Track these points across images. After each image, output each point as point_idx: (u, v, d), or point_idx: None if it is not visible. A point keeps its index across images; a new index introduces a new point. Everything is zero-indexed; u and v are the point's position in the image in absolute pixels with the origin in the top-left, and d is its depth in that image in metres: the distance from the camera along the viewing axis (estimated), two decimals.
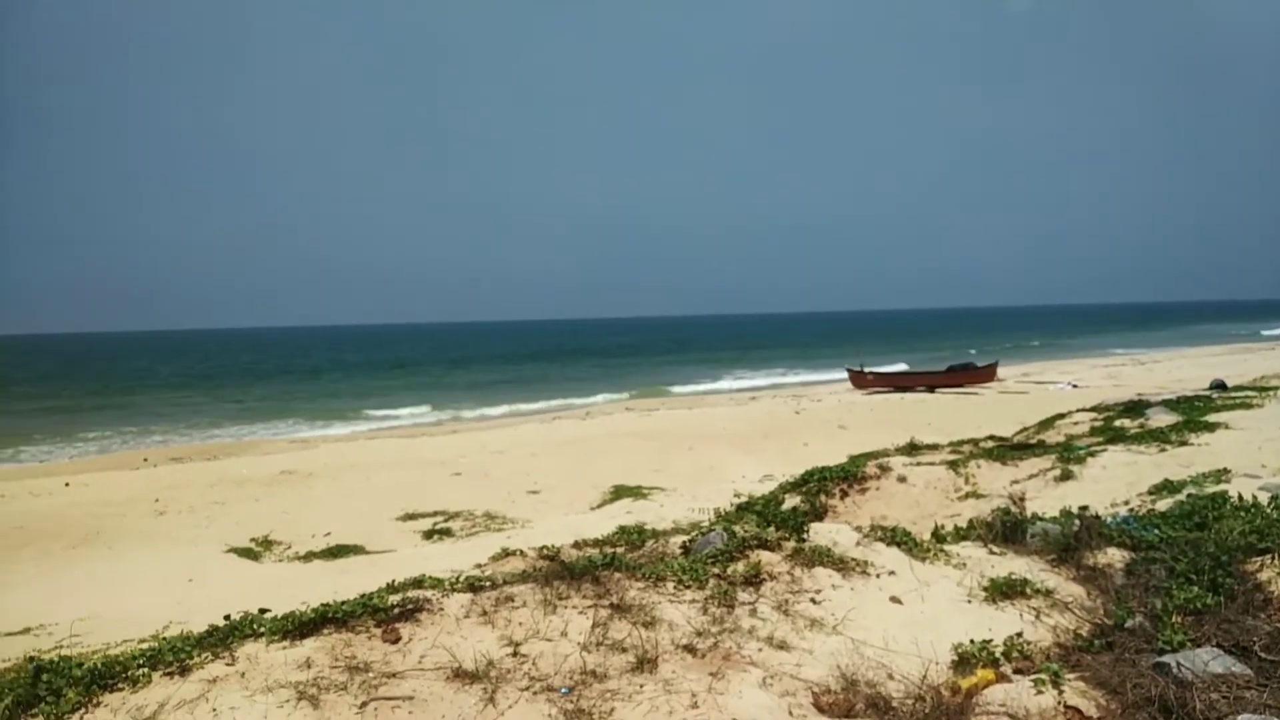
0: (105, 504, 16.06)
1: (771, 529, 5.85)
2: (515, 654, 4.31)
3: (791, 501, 10.73)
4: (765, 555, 5.49)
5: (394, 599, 4.73)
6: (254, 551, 12.72)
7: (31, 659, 4.68)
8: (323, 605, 4.63)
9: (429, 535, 13.58)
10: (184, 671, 4.20)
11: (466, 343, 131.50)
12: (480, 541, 12.33)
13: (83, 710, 4.04)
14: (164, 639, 4.72)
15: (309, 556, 12.38)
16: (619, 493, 15.67)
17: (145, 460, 24.32)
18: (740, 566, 5.31)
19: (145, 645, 4.81)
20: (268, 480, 18.36)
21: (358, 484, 17.77)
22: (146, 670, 4.23)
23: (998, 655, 4.55)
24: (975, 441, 13.91)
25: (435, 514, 14.77)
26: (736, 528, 5.91)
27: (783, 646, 4.60)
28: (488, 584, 5.01)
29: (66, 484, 18.47)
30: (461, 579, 5.11)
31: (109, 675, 4.23)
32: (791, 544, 5.69)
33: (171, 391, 52.33)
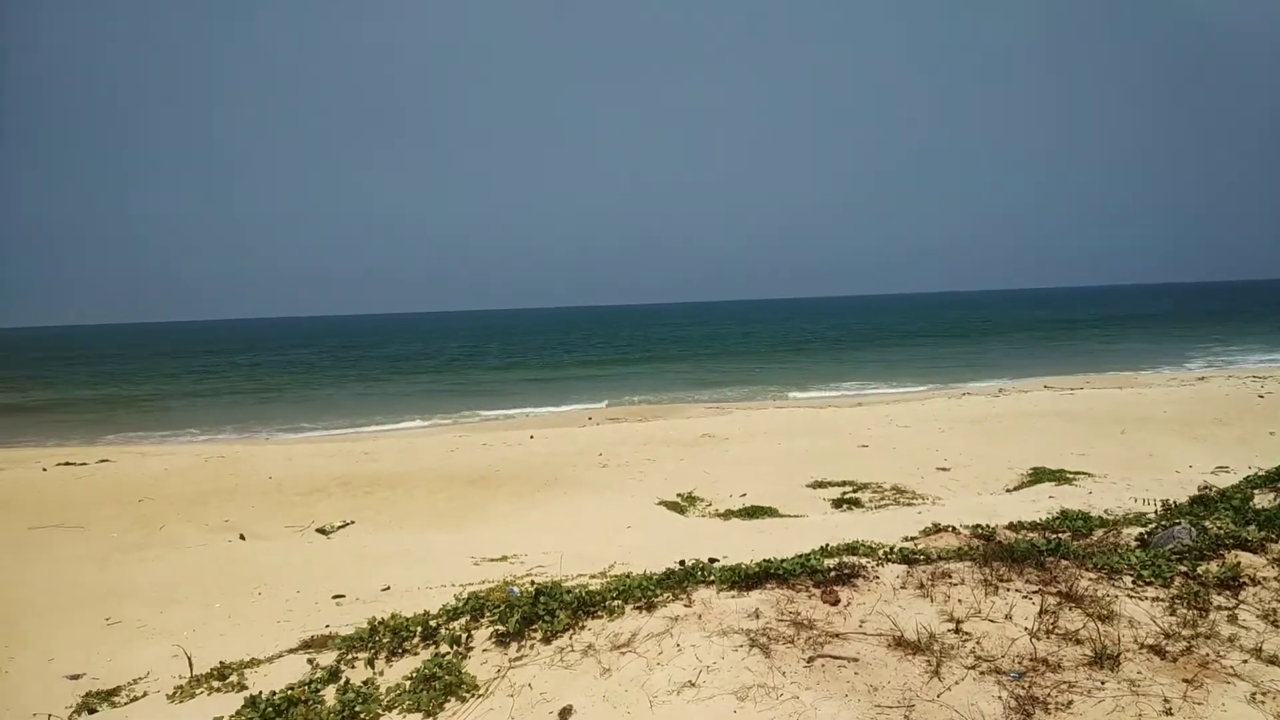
0: (560, 455, 18.51)
1: (1252, 528, 5.12)
2: (957, 630, 4.28)
3: (1262, 499, 9.22)
4: (1246, 557, 4.84)
5: (830, 562, 4.92)
6: (680, 505, 13.84)
7: (532, 582, 5.60)
8: (765, 561, 4.97)
9: (838, 504, 13.75)
10: (650, 608, 4.76)
11: (856, 319, 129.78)
12: (890, 514, 12.23)
13: (571, 631, 4.74)
14: (630, 577, 5.37)
15: (727, 514, 13.18)
16: (1038, 475, 14.60)
17: (590, 419, 27.52)
18: (1214, 567, 4.74)
19: (612, 579, 5.50)
20: (690, 442, 19.81)
21: (769, 450, 18.48)
22: (620, 603, 4.87)
23: None
24: None
25: (844, 483, 14.92)
26: (1208, 523, 5.25)
27: (1274, 661, 4.04)
28: (921, 558, 5.00)
29: (531, 437, 21.58)
30: (895, 550, 5.16)
31: (590, 604, 4.94)
32: (1279, 547, 4.95)
33: (607, 365, 58.52)
